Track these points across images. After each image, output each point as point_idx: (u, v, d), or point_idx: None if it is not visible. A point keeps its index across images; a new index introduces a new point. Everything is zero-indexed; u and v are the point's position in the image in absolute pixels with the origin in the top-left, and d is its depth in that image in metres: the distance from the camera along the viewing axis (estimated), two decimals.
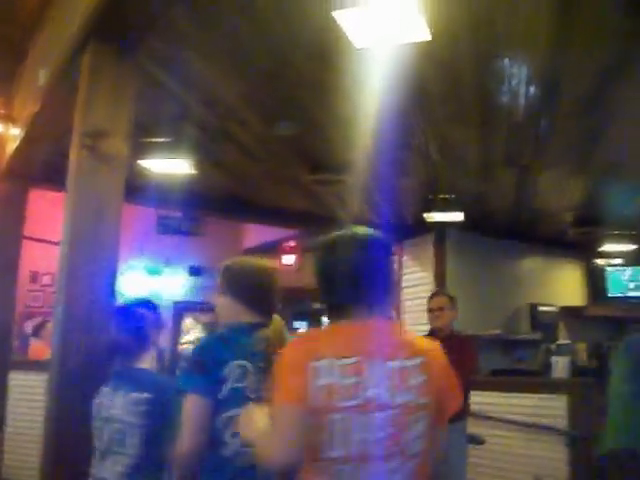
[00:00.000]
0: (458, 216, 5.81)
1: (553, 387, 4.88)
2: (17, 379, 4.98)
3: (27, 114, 3.71)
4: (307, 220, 6.81)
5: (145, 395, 2.16)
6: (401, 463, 1.50)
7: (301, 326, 8.67)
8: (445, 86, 3.60)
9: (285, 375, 1.52)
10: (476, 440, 4.65)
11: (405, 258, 7.36)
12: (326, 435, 1.47)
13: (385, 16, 2.54)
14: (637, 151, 4.58)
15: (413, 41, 2.80)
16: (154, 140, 4.28)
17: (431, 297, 4.76)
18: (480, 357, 5.39)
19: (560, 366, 5.96)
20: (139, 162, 4.47)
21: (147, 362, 2.34)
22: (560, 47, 3.08)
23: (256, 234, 8.60)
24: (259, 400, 1.90)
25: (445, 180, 5.42)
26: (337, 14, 2.56)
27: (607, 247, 7.13)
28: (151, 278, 9.04)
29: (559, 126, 4.14)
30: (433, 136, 4.39)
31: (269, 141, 4.53)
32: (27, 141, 3.93)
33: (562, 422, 4.56)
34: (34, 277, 7.83)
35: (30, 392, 4.97)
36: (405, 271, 7.32)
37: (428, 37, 2.71)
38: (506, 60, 3.27)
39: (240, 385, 1.97)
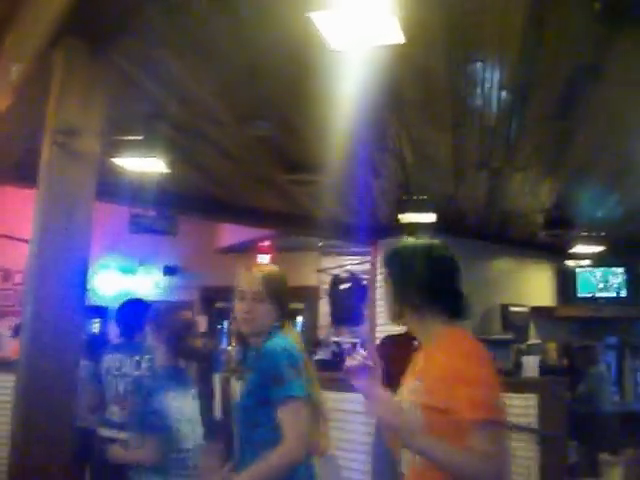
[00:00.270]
0: (431, 217, 5.85)
1: (524, 386, 4.93)
2: None
3: None
4: (282, 220, 6.82)
5: None
6: None
7: None
8: (419, 89, 3.63)
9: (495, 389, 1.65)
10: None
11: (379, 259, 7.40)
12: None
13: (360, 18, 2.56)
14: (607, 154, 4.67)
15: (387, 44, 2.82)
16: (128, 138, 4.25)
17: None
18: None
19: (531, 365, 6.05)
20: (112, 160, 4.44)
21: None
22: (531, 51, 3.13)
23: (231, 234, 8.57)
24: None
25: (418, 182, 5.46)
26: (313, 15, 2.57)
27: (577, 249, 7.24)
28: (125, 277, 8.97)
29: (530, 129, 4.20)
30: (407, 138, 4.42)
31: (244, 141, 4.53)
32: None
33: (533, 421, 4.62)
34: (6, 275, 7.73)
35: (4, 393, 4.90)
36: (379, 271, 7.35)
37: (402, 40, 2.73)
38: (479, 64, 3.31)
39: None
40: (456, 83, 3.53)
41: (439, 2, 2.74)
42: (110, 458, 2.98)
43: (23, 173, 4.13)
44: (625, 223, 6.78)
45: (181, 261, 9.01)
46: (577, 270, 7.89)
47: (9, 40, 3.59)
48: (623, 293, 7.79)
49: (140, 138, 4.27)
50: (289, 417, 2.18)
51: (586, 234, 6.80)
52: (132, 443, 2.89)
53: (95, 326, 9.03)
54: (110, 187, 5.02)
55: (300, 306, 8.83)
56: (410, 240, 2.04)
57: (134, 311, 4.40)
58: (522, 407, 4.70)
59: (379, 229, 7.05)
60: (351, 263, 8.28)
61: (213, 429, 3.78)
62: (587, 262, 7.89)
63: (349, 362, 1.83)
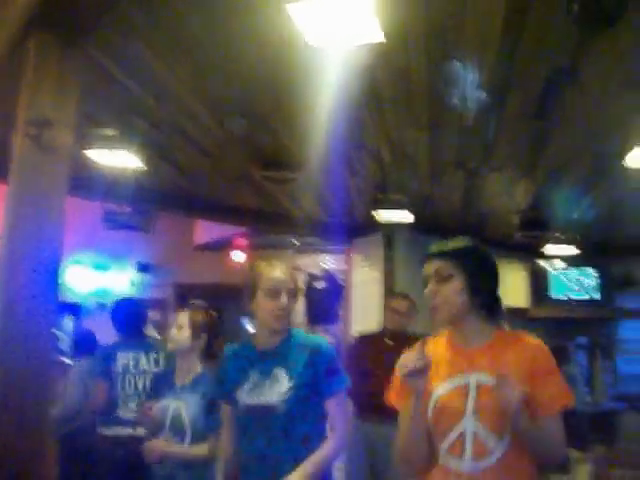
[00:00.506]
0: (407, 216, 5.87)
1: None
2: None
3: None
4: (258, 218, 6.79)
5: None
6: None
7: (249, 324, 8.61)
8: (397, 88, 3.63)
9: None
10: None
11: (355, 257, 7.40)
12: None
13: (339, 15, 2.54)
14: (582, 157, 4.71)
15: (366, 42, 2.81)
16: (102, 132, 4.19)
17: (393, 296, 4.78)
18: None
19: None
20: (86, 154, 4.37)
21: None
22: (510, 52, 3.14)
23: (206, 231, 8.51)
24: None
25: (395, 181, 5.47)
26: (291, 9, 2.54)
27: (551, 250, 7.30)
28: (98, 274, 8.87)
29: (507, 130, 4.22)
30: (384, 137, 4.42)
31: (220, 137, 4.49)
32: None
33: None
34: None
35: None
36: (355, 270, 7.36)
37: (381, 38, 2.72)
38: (457, 64, 3.31)
39: None
40: (435, 83, 3.53)
41: (419, 1, 2.73)
42: (147, 454, 2.94)
43: None
44: (599, 225, 6.87)
45: (156, 258, 8.91)
46: (551, 271, 7.96)
47: None
48: (595, 294, 7.88)
49: (115, 133, 4.21)
50: (340, 408, 2.28)
51: (560, 236, 6.86)
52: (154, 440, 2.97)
53: (68, 323, 8.93)
54: (84, 182, 4.95)
55: None
56: (461, 239, 2.10)
57: (133, 309, 4.39)
58: None
59: (355, 228, 7.05)
60: (327, 261, 8.27)
61: None
62: (561, 263, 7.97)
63: (406, 366, 1.83)
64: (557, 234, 6.80)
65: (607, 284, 7.87)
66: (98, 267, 8.83)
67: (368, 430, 4.52)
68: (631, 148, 4.08)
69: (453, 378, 1.88)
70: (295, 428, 2.25)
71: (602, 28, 2.74)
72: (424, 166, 5.05)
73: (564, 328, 7.58)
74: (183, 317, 3.18)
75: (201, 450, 2.83)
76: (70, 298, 8.49)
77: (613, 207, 6.07)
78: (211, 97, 3.86)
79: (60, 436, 4.18)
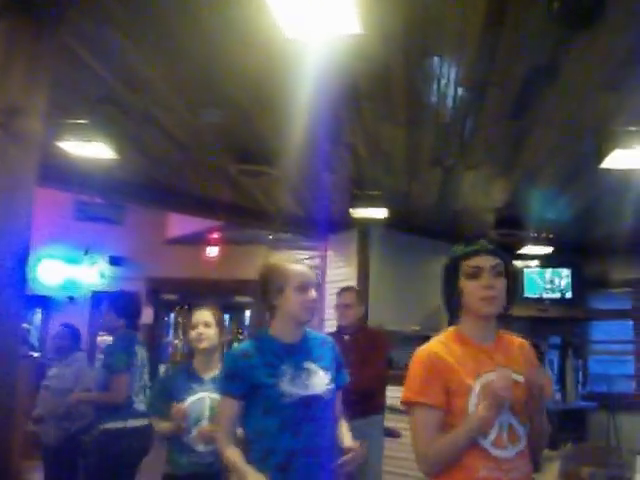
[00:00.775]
0: (382, 212, 5.85)
1: None
2: None
3: None
4: (232, 212, 6.72)
5: None
6: None
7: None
8: (375, 83, 3.59)
9: None
10: (392, 434, 4.72)
11: (330, 253, 7.38)
12: None
13: (317, 7, 2.50)
14: (558, 157, 4.73)
15: (344, 35, 2.78)
16: (74, 121, 4.10)
17: (339, 293, 4.82)
18: (399, 353, 5.45)
19: None
20: (57, 144, 4.28)
21: None
22: (489, 49, 3.13)
23: (180, 224, 8.41)
24: None
25: (371, 177, 5.44)
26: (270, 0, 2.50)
27: (525, 249, 7.35)
28: (69, 267, 8.74)
29: (485, 128, 4.22)
30: (361, 132, 4.39)
31: (195, 128, 4.43)
32: None
33: None
34: None
35: None
36: (330, 266, 7.33)
37: (359, 31, 2.68)
38: (436, 60, 3.29)
39: None
40: (413, 78, 3.51)
41: None
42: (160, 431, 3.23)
43: None
44: (573, 226, 6.92)
45: (128, 251, 8.80)
46: (525, 270, 8.01)
47: None
48: (568, 294, 7.94)
49: (87, 122, 4.13)
50: (340, 398, 2.55)
51: (535, 235, 6.90)
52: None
53: (37, 317, 8.81)
54: (54, 171, 4.86)
55: (248, 300, 8.74)
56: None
57: (130, 302, 4.46)
58: None
59: (331, 224, 7.01)
60: (302, 258, 8.23)
61: None
62: (535, 263, 8.02)
63: (501, 384, 1.93)
64: (532, 233, 6.84)
65: (580, 284, 7.94)
66: (68, 260, 8.70)
67: None
68: (609, 149, 4.09)
69: (488, 374, 1.99)
70: (332, 418, 2.45)
71: (582, 26, 2.74)
72: (400, 162, 5.03)
73: (537, 327, 7.62)
74: (207, 315, 3.25)
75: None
76: (39, 291, 8.36)
77: (589, 207, 6.10)
78: (186, 87, 3.79)
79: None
